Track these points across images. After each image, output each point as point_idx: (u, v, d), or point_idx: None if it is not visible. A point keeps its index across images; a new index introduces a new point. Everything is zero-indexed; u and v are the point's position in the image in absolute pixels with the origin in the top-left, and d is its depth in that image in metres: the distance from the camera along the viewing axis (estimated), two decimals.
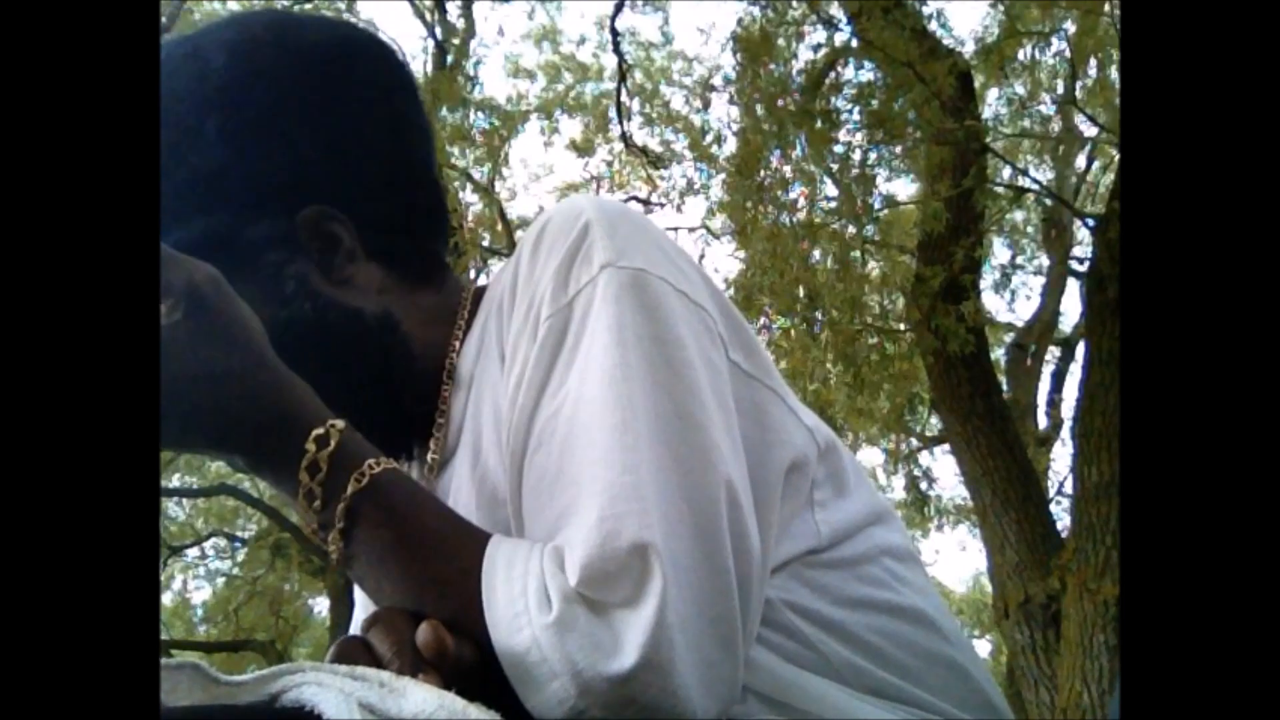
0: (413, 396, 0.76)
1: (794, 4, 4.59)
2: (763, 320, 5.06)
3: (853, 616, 0.67)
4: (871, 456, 8.17)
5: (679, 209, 5.66)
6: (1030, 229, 7.77)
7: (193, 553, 10.05)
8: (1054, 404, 8.11)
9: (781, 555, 0.66)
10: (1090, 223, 4.27)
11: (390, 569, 0.60)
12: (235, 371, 0.60)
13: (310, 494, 0.60)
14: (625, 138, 6.39)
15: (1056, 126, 6.02)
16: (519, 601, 0.55)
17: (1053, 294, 7.89)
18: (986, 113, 5.26)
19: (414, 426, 0.77)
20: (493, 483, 0.69)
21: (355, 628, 0.73)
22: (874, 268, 5.80)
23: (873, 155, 4.74)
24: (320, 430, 0.61)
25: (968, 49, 4.80)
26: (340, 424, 0.61)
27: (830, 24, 4.63)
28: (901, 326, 5.18)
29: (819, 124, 4.37)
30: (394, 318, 0.76)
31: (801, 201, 4.77)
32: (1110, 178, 7.33)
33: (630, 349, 0.61)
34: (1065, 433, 7.44)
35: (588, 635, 0.53)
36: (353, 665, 0.51)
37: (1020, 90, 5.57)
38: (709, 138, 5.41)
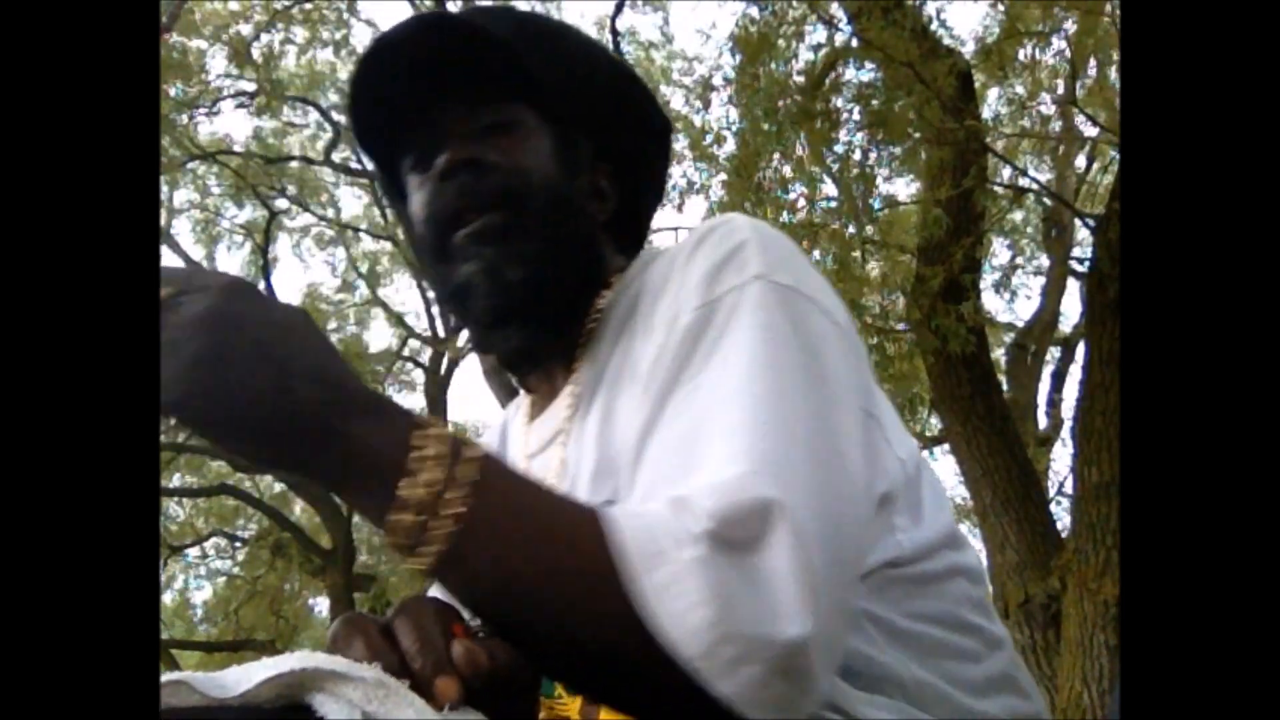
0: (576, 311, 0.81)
1: (794, 4, 4.58)
2: None
3: (926, 630, 0.69)
4: None
5: (679, 209, 5.65)
6: (1030, 229, 7.75)
7: (193, 553, 10.06)
8: (1054, 404, 8.10)
9: (864, 565, 0.67)
10: (1090, 223, 4.26)
11: (510, 550, 0.54)
12: (294, 396, 0.52)
13: (404, 526, 0.53)
14: None
15: (1056, 126, 6.01)
16: (651, 544, 0.53)
17: (1053, 294, 7.88)
18: (986, 113, 5.26)
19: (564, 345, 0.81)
20: (614, 452, 0.70)
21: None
22: (874, 268, 5.79)
23: (873, 155, 4.73)
24: (412, 462, 0.53)
25: (968, 49, 4.80)
26: (427, 451, 0.54)
27: (830, 24, 4.62)
28: (901, 326, 5.17)
29: (819, 124, 4.36)
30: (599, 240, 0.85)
31: (801, 201, 4.76)
32: (1110, 178, 7.33)
33: (779, 350, 0.62)
34: (1065, 433, 7.43)
35: (733, 578, 0.52)
36: (371, 659, 0.50)
37: (1020, 90, 5.57)
38: (709, 138, 5.41)
